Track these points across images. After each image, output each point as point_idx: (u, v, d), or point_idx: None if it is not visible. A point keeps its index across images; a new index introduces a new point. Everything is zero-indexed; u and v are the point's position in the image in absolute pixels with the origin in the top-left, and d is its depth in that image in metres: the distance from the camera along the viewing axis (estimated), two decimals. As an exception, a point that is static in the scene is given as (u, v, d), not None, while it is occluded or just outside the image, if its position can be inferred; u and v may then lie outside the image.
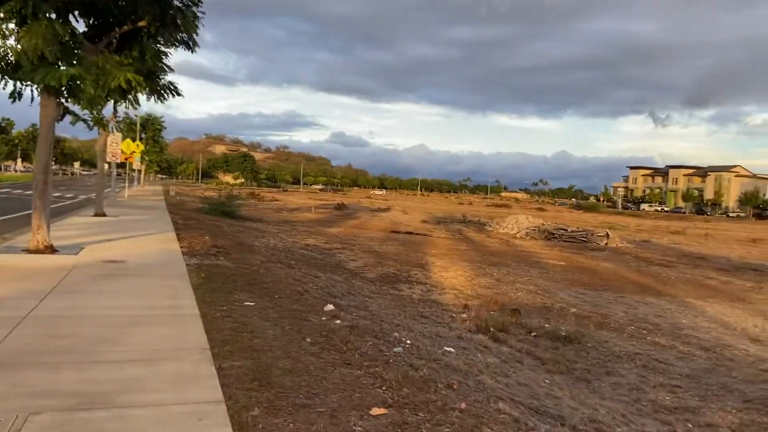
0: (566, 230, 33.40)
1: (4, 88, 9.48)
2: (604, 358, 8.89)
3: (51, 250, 9.50)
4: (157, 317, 5.42)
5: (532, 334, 10.06)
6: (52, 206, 25.77)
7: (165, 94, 18.93)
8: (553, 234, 32.81)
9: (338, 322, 6.32)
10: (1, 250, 9.61)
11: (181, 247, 11.29)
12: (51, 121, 9.47)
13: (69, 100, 9.87)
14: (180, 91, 18.95)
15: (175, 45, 16.11)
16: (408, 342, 6.36)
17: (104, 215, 18.70)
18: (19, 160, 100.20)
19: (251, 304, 6.48)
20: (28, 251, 9.39)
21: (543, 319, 11.38)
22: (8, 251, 9.45)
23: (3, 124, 65.66)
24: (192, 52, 13.38)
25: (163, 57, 17.38)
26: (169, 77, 17.89)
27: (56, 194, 36.98)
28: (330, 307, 7.21)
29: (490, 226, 39.93)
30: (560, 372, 7.91)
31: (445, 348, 6.89)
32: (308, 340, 5.19)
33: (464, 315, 10.83)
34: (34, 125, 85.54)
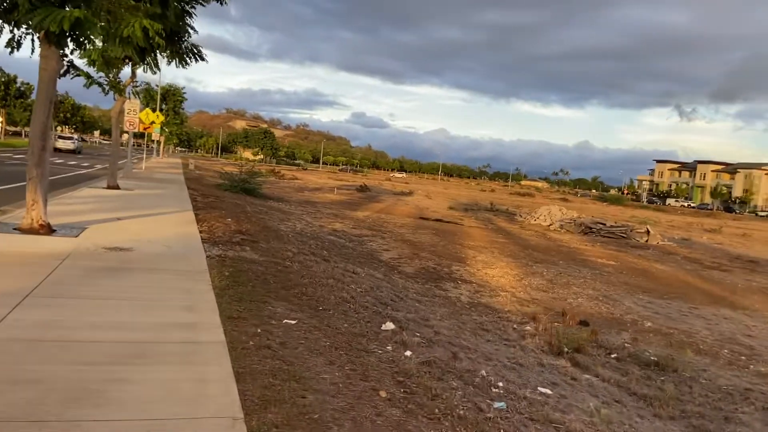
0: (605, 225, 31.42)
1: (-2, 35, 7.89)
2: (712, 396, 7.19)
3: (47, 230, 7.98)
4: (165, 347, 3.83)
5: (613, 356, 8.39)
6: (66, 175, 24.41)
7: (188, 58, 17.40)
8: (591, 228, 30.86)
9: (408, 354, 4.70)
10: (-11, 227, 8.11)
11: (200, 231, 9.73)
12: (51, 75, 7.88)
13: (74, 51, 8.28)
14: (204, 55, 17.30)
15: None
16: (499, 383, 4.73)
17: (117, 188, 17.24)
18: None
19: (292, 322, 4.87)
20: (20, 230, 7.88)
21: (616, 333, 9.70)
22: (-3, 229, 7.95)
23: (22, 89, 64.46)
24: (222, 3, 11.71)
25: (187, 17, 15.74)
26: (193, 39, 16.36)
27: (72, 162, 35.79)
28: (389, 325, 5.59)
29: (521, 216, 38.05)
30: (671, 417, 6.24)
31: (539, 389, 5.25)
32: (382, 394, 3.58)
33: (528, 328, 9.19)
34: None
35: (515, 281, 13.52)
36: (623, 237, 30.45)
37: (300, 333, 4.60)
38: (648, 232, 31.41)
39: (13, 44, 8.02)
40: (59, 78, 8.27)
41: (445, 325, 7.28)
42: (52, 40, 7.63)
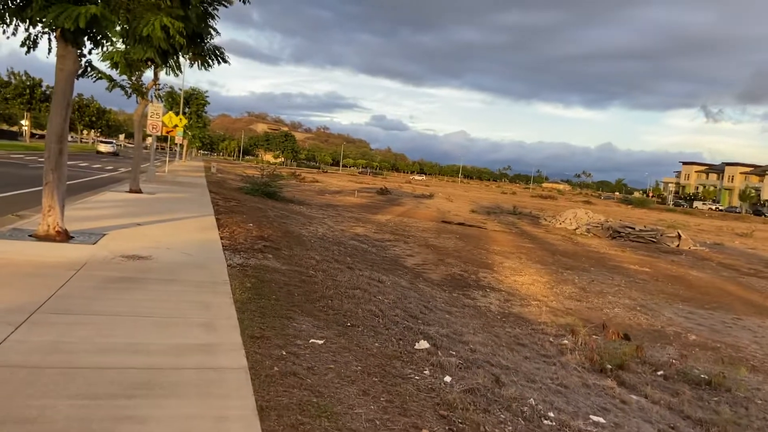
0: (633, 229, 30.54)
1: (14, 34, 7.62)
2: (773, 420, 6.59)
3: (64, 236, 7.69)
4: (181, 375, 3.41)
5: (660, 373, 7.82)
6: (89, 179, 24.42)
7: (210, 60, 17.16)
8: (619, 233, 30.01)
9: (448, 380, 4.24)
10: (4, 233, 7.85)
11: (221, 238, 9.38)
12: (68, 76, 7.58)
13: (92, 51, 7.98)
14: (226, 57, 17.06)
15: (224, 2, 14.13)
16: (549, 413, 4.24)
17: (139, 192, 17.06)
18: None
19: (319, 342, 4.44)
20: (36, 237, 7.60)
21: (660, 348, 9.10)
22: (13, 236, 7.68)
23: (47, 92, 65.10)
24: (246, 2, 11.40)
25: (209, 18, 15.48)
26: (215, 42, 16.09)
27: (96, 166, 36.01)
28: (423, 344, 5.14)
29: (546, 219, 37.26)
30: (732, 446, 5.68)
31: (591, 417, 4.74)
32: (426, 433, 3.12)
33: (566, 341, 8.64)
34: (80, 95, 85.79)
35: (546, 289, 12.95)
36: (653, 242, 29.55)
37: (329, 355, 4.17)
38: (679, 236, 30.43)
39: (29, 43, 7.74)
40: (77, 79, 7.98)
41: (480, 340, 6.79)
42: (69, 39, 7.33)
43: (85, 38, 7.46)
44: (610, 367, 7.60)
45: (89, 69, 7.92)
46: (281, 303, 5.50)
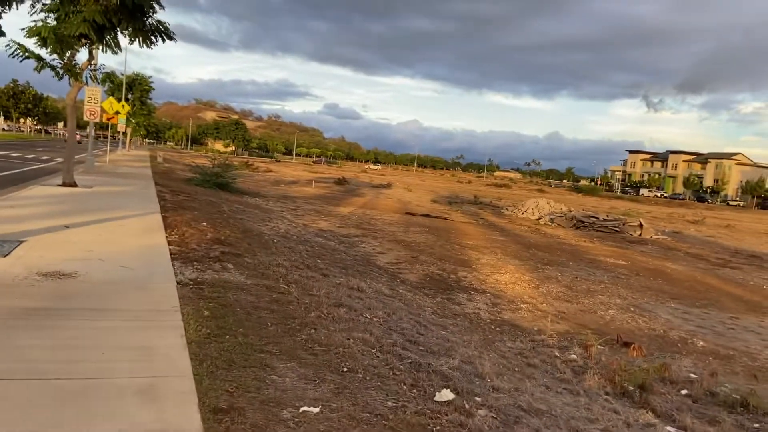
0: (597, 218, 30.22)
1: None
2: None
3: (-36, 247, 6.05)
4: None
5: (684, 392, 6.85)
6: (19, 170, 22.01)
7: (153, 37, 15.27)
8: (583, 222, 29.61)
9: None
10: None
11: (169, 243, 7.86)
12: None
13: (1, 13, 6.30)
14: (172, 34, 15.23)
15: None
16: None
17: (74, 185, 15.11)
18: (1, 118, 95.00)
19: (314, 410, 3.12)
20: (-73, 249, 5.94)
21: (671, 358, 8.18)
22: None
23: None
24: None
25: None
26: (159, 16, 14.25)
27: (30, 156, 33.15)
28: (446, 394, 3.90)
29: (507, 209, 36.70)
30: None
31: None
32: None
33: (573, 356, 7.58)
34: (14, 81, 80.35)
35: (531, 289, 11.95)
36: (617, 231, 29.29)
37: (332, 435, 2.85)
38: (641, 225, 30.30)
39: None
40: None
41: (491, 368, 5.60)
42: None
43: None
44: (631, 388, 6.59)
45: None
46: (252, 340, 4.14)
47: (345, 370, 3.96)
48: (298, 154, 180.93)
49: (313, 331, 4.77)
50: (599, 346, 8.07)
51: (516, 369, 6.19)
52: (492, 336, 7.90)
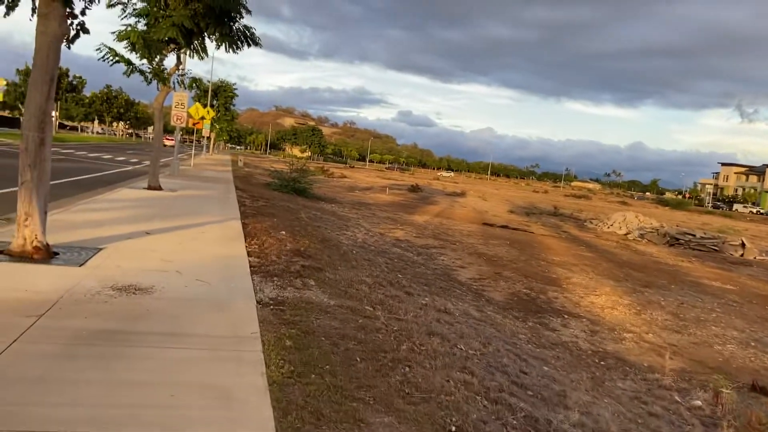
0: (694, 236, 27.93)
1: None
2: None
3: (44, 253, 5.84)
4: None
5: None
6: (111, 171, 22.76)
7: (239, 42, 15.23)
8: (678, 239, 27.44)
9: None
10: (-30, 248, 6.03)
11: (248, 253, 7.47)
12: (52, 41, 5.71)
13: (86, 10, 6.10)
14: (258, 39, 15.16)
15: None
16: None
17: (159, 188, 15.32)
18: (96, 122, 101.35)
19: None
20: (10, 254, 5.77)
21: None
22: (-20, 251, 5.86)
23: (74, 83, 64.41)
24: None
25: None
26: (245, 21, 14.15)
27: (120, 158, 34.66)
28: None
29: (591, 222, 34.77)
30: None
31: None
32: None
33: (698, 402, 6.52)
34: (108, 86, 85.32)
35: (633, 316, 10.78)
36: (715, 250, 26.94)
37: None
38: (743, 245, 27.76)
39: (7, 2, 5.91)
40: (68, 46, 6.10)
41: (611, 419, 4.72)
42: (52, -8, 5.46)
43: (73, -10, 5.59)
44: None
45: (81, 33, 5.99)
46: (341, 382, 3.53)
47: (453, 429, 3.26)
48: (371, 161, 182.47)
49: (407, 369, 4.12)
50: (726, 391, 6.96)
51: (639, 421, 5.27)
52: (599, 373, 6.95)
